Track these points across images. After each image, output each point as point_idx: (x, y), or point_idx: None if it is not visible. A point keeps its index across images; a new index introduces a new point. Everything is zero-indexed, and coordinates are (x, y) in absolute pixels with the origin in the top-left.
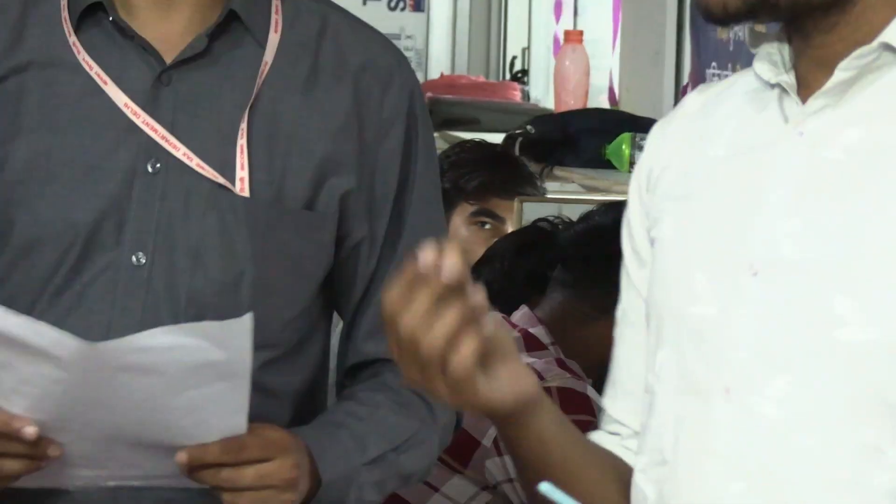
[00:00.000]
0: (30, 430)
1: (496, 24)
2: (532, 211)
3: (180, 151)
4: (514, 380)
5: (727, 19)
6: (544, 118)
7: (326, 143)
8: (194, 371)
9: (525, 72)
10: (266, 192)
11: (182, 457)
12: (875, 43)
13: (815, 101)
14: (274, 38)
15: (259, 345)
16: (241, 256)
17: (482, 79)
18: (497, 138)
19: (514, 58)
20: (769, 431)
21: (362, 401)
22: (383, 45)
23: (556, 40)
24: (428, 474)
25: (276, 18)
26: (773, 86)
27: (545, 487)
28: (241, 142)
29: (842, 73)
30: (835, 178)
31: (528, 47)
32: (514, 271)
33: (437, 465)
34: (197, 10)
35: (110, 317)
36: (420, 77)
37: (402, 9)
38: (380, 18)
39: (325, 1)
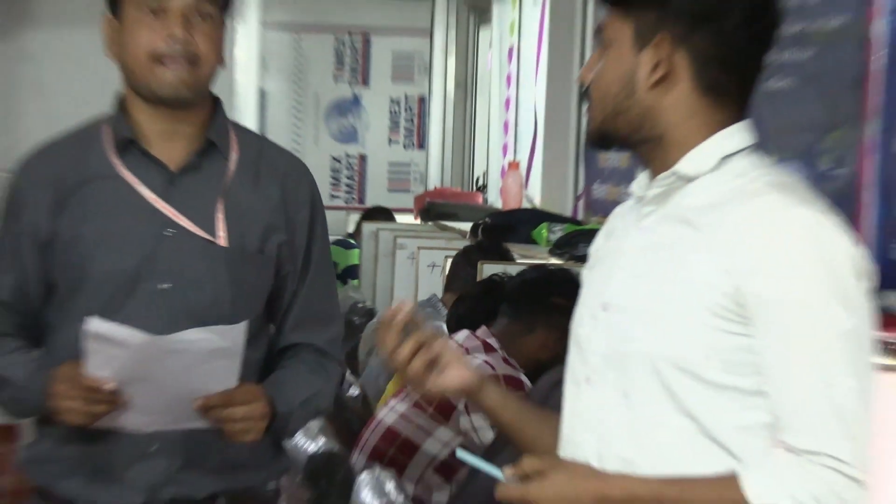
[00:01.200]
0: (110, 385)
1: (468, 156)
2: (488, 270)
3: (184, 222)
4: (457, 374)
5: (595, 145)
6: (496, 213)
7: (267, 215)
8: (208, 354)
9: (485, 185)
10: (236, 244)
11: (198, 402)
12: (668, 171)
13: (646, 208)
14: (234, 156)
15: None
16: (223, 284)
17: (459, 189)
18: (467, 225)
19: (478, 177)
20: (613, 407)
21: (292, 367)
22: (295, 161)
23: (503, 167)
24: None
25: (233, 144)
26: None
27: (459, 453)
28: (220, 215)
29: (654, 190)
30: (644, 258)
31: (487, 170)
32: (478, 306)
33: (429, 418)
34: (188, 139)
35: (150, 322)
36: (421, 188)
37: (412, 148)
38: (398, 153)
39: (260, 135)
